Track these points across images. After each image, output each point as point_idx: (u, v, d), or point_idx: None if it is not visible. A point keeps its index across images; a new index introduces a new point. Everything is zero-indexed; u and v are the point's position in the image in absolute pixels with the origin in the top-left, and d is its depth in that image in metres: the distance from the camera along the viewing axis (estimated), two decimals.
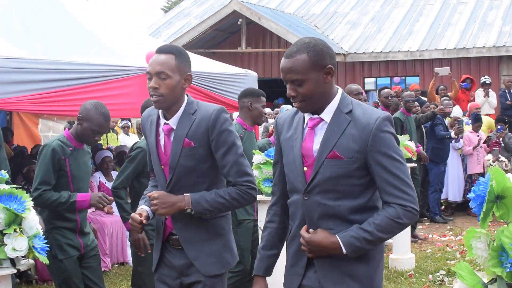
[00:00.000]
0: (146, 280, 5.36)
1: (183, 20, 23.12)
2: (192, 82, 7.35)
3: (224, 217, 3.59)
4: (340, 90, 2.94)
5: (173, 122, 3.49)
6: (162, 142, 3.52)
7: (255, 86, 8.37)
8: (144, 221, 3.43)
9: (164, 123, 3.51)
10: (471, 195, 2.21)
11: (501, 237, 2.09)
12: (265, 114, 6.01)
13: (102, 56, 6.95)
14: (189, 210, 3.38)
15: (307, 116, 2.95)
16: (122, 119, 12.76)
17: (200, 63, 7.96)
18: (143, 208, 3.52)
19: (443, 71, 14.88)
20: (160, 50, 3.48)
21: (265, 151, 5.51)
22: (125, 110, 7.03)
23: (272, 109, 14.33)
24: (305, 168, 2.89)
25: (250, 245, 6.03)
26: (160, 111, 3.52)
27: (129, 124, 13.30)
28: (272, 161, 4.30)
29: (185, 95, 3.57)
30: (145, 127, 3.64)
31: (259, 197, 3.79)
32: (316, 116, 2.90)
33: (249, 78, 8.40)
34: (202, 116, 3.46)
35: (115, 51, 7.25)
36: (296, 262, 2.99)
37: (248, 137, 5.97)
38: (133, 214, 3.46)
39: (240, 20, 18.92)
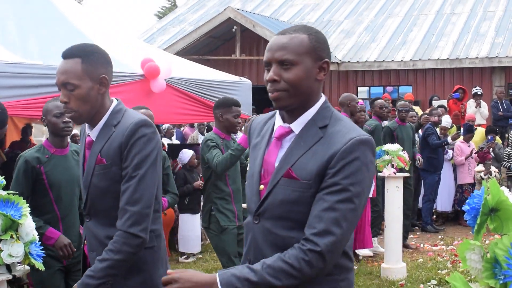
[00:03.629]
0: None
1: (177, 26, 23.16)
2: (187, 89, 7.45)
3: (150, 248, 3.00)
4: (323, 98, 2.44)
5: (93, 134, 3.01)
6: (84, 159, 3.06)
7: (249, 93, 8.39)
8: None
9: (87, 135, 3.05)
10: (465, 207, 2.23)
11: (495, 249, 2.10)
12: (239, 123, 6.13)
13: None
14: None
15: (277, 123, 2.47)
16: None
17: (194, 70, 7.96)
18: None
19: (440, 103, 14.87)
20: (64, 55, 2.98)
21: None
22: None
23: None
24: (261, 186, 2.42)
25: (236, 251, 5.98)
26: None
27: None
28: None
29: (115, 100, 3.09)
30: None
31: None
32: (286, 125, 2.42)
33: (243, 85, 8.41)
34: (119, 129, 2.93)
35: (110, 57, 7.24)
36: None
37: (226, 146, 6.00)
38: None
39: (235, 27, 18.96)
